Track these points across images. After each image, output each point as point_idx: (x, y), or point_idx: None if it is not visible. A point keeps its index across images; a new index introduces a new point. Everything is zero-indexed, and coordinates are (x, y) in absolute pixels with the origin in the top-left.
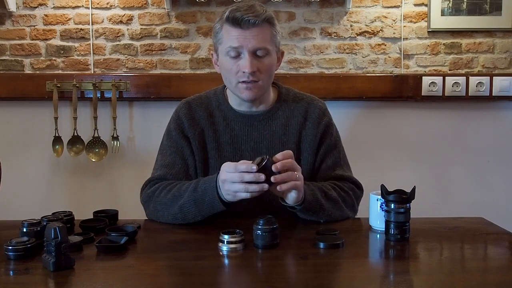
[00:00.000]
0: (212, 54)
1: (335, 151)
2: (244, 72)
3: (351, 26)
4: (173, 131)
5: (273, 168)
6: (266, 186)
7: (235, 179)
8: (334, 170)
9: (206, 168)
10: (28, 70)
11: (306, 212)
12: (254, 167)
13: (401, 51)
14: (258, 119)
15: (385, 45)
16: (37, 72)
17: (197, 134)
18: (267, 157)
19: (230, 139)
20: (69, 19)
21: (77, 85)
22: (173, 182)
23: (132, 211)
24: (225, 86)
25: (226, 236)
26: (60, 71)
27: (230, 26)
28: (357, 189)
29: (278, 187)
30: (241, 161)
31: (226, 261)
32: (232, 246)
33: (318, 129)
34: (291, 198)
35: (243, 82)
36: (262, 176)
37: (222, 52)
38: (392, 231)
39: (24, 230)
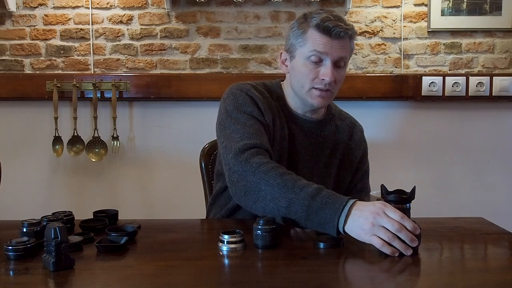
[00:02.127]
0: (281, 53)
1: (366, 179)
2: (323, 79)
3: None
4: (247, 105)
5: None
6: (409, 252)
7: (389, 225)
8: (361, 196)
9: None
10: (28, 70)
11: None
12: (419, 231)
13: (401, 51)
14: (309, 125)
15: (385, 45)
16: (37, 72)
17: (271, 118)
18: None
19: (289, 136)
20: (69, 19)
21: (77, 85)
22: (280, 165)
23: (132, 211)
24: (279, 82)
25: (226, 236)
26: (60, 71)
27: (318, 32)
28: None
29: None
30: (408, 219)
31: (226, 261)
32: (232, 246)
33: (359, 152)
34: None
35: (317, 89)
36: (415, 243)
37: (302, 55)
38: None
39: (24, 230)
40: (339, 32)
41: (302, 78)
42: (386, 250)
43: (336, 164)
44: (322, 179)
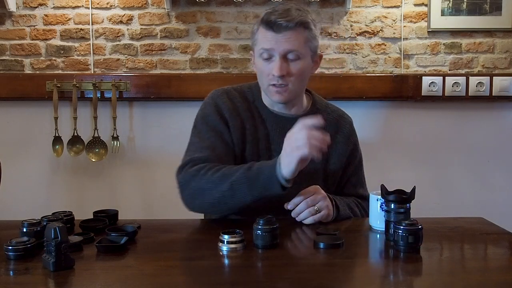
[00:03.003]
0: (251, 52)
1: (360, 171)
2: (274, 75)
3: (351, 26)
4: (211, 116)
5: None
6: (328, 139)
7: (300, 135)
8: (356, 189)
9: (244, 161)
10: (28, 70)
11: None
12: (322, 121)
13: (401, 51)
14: (290, 122)
15: (385, 45)
16: (37, 72)
17: (239, 123)
18: None
19: (265, 136)
20: (69, 19)
21: (77, 85)
22: (219, 164)
23: (132, 211)
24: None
25: (226, 236)
26: (60, 71)
27: (265, 28)
28: None
29: (297, 218)
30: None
31: (226, 261)
32: (232, 246)
33: (348, 146)
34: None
35: (273, 85)
36: (328, 138)
37: (257, 53)
38: (392, 231)
39: (24, 230)
40: (280, 25)
41: (260, 76)
42: (312, 149)
43: (324, 159)
44: (307, 176)
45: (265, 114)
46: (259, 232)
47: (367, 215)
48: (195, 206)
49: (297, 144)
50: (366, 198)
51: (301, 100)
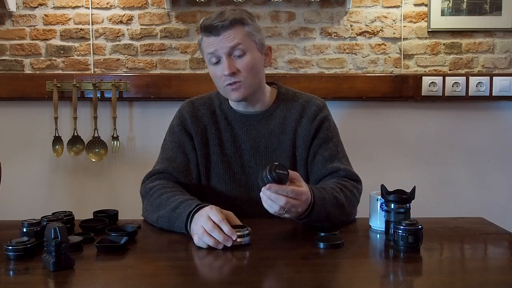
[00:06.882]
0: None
1: (331, 143)
2: (225, 75)
3: (351, 26)
4: (176, 127)
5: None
6: (220, 246)
7: (207, 227)
8: (331, 162)
9: (208, 164)
10: (28, 70)
11: (310, 221)
12: (234, 237)
13: (401, 51)
14: (256, 118)
15: (385, 45)
16: (37, 72)
17: (200, 130)
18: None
19: (231, 138)
20: (69, 19)
21: (77, 85)
22: (169, 186)
23: (132, 211)
24: None
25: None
26: (60, 71)
27: (205, 35)
28: (358, 185)
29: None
30: (226, 223)
31: (226, 261)
32: (239, 240)
33: (313, 124)
34: (290, 215)
35: (228, 85)
36: (229, 243)
37: (207, 62)
38: (392, 231)
39: (24, 230)
40: (217, 26)
41: (215, 81)
42: (202, 244)
43: (289, 146)
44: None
45: (231, 116)
46: None
47: (358, 193)
48: (147, 219)
49: (196, 232)
50: (344, 171)
51: (264, 95)
